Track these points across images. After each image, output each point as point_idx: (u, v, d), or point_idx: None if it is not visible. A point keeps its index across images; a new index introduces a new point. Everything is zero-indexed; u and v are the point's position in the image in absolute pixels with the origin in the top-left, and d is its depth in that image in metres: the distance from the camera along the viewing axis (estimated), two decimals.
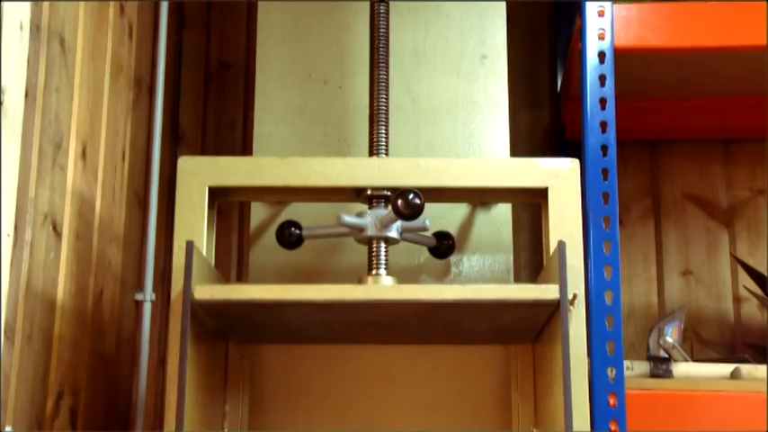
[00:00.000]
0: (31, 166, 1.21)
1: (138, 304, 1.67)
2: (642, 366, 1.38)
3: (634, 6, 1.45)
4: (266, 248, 1.49)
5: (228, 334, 1.38)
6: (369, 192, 1.30)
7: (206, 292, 1.15)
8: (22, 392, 1.18)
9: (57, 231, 1.30)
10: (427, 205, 1.24)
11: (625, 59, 1.43)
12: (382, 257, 1.30)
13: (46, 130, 1.25)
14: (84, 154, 1.40)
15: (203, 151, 1.93)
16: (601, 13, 1.42)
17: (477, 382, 1.43)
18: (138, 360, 1.64)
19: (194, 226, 1.23)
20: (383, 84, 1.38)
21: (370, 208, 1.31)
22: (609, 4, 1.42)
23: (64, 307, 1.33)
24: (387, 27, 1.40)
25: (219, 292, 1.16)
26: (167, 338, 1.17)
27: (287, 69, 1.56)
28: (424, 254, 1.48)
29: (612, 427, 1.21)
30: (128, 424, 1.62)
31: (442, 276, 1.49)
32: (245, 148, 1.93)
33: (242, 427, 1.40)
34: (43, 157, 1.24)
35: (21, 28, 1.16)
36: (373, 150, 1.36)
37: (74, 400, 1.37)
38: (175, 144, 1.92)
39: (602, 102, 1.38)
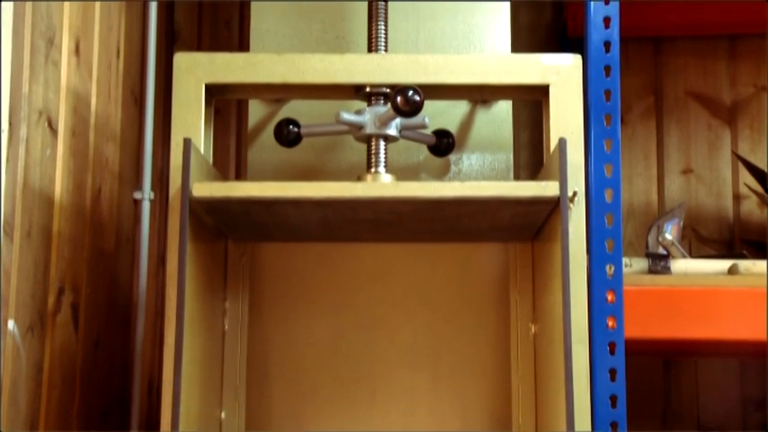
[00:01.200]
0: (24, 62, 1.19)
1: (137, 203, 1.67)
2: (640, 263, 1.39)
3: None
4: (264, 147, 1.48)
5: (227, 232, 1.38)
6: (368, 89, 1.28)
7: (204, 189, 1.15)
8: (22, 287, 1.19)
9: (52, 128, 1.29)
10: (427, 103, 1.23)
11: None
12: (381, 155, 1.29)
13: (37, 24, 1.22)
14: (77, 50, 1.38)
15: (200, 49, 1.90)
16: None
17: (476, 280, 1.44)
18: (138, 258, 1.65)
19: (192, 124, 1.22)
20: None
21: (368, 105, 1.29)
22: None
23: (62, 204, 1.32)
24: None
25: (218, 189, 1.16)
26: (167, 237, 1.17)
27: None
28: (423, 152, 1.47)
29: (610, 323, 1.22)
30: (129, 320, 1.63)
31: (441, 175, 1.49)
32: (241, 47, 1.90)
33: (242, 323, 1.41)
34: (36, 52, 1.22)
35: None
36: (372, 47, 1.34)
37: (75, 296, 1.38)
38: (171, 43, 1.88)
39: None
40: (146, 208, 1.67)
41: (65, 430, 1.34)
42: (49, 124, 1.28)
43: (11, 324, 1.15)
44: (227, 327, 1.40)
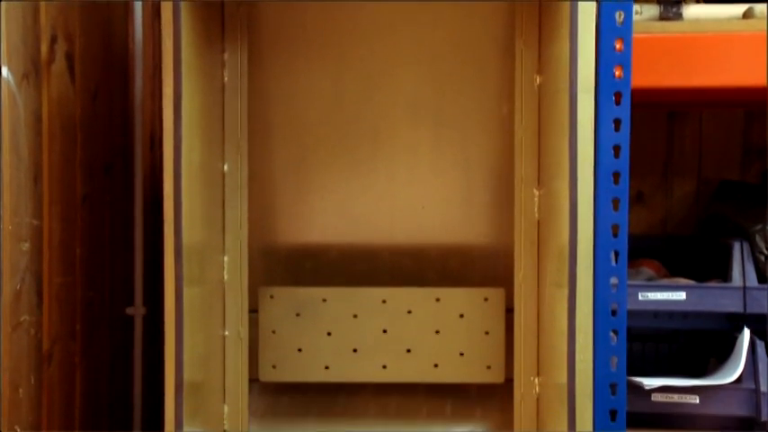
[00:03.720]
0: None
1: None
2: (651, 10, 1.33)
3: None
4: None
5: None
6: None
7: None
8: (12, 31, 1.15)
9: None
10: None
11: None
12: None
13: None
14: None
15: None
16: None
17: (481, 35, 1.40)
18: (132, 7, 1.59)
19: None
20: None
21: None
22: None
23: None
24: None
25: None
26: None
27: None
28: None
29: (617, 72, 1.19)
30: (126, 73, 1.60)
31: None
32: None
33: (241, 76, 1.38)
34: None
35: None
36: None
37: (69, 46, 1.34)
38: None
39: None
40: None
41: (69, 178, 1.35)
42: None
43: (4, 71, 1.13)
44: (226, 79, 1.38)
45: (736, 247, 1.39)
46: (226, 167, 1.38)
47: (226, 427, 1.36)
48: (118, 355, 1.56)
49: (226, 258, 1.37)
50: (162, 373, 1.13)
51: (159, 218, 1.13)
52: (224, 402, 1.37)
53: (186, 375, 1.14)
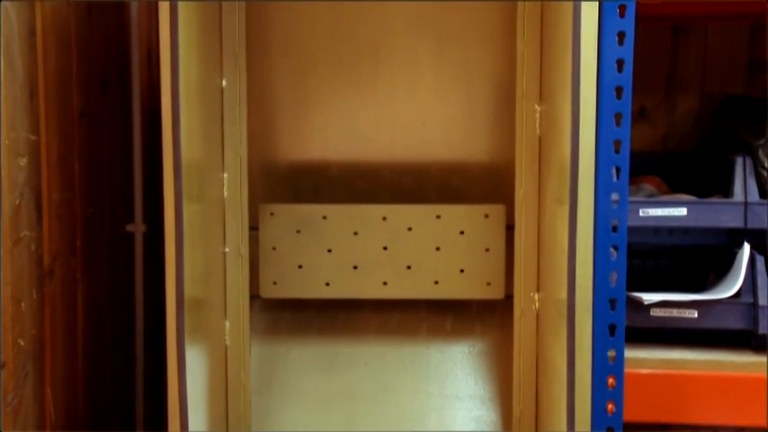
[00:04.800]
0: None
1: None
2: None
3: None
4: None
5: None
6: None
7: None
8: None
9: None
10: None
11: None
12: None
13: None
14: None
15: None
16: None
17: None
18: None
19: None
20: None
21: None
22: None
23: None
24: None
25: None
26: None
27: None
28: None
29: None
30: None
31: None
32: None
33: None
34: None
35: None
36: None
37: None
38: None
39: None
40: None
41: (66, 93, 1.33)
42: None
43: None
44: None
45: (739, 162, 1.38)
46: (224, 83, 1.36)
47: (227, 343, 1.38)
48: (119, 273, 1.56)
49: (225, 175, 1.37)
50: (163, 290, 1.13)
51: (158, 135, 1.12)
52: (225, 318, 1.38)
53: (187, 292, 1.14)
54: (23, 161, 1.19)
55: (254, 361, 1.43)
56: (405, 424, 1.41)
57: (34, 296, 1.23)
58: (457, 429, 1.41)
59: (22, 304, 1.20)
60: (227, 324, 1.38)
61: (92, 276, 1.44)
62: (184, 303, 1.13)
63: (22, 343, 1.19)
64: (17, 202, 1.17)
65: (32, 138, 1.22)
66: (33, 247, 1.23)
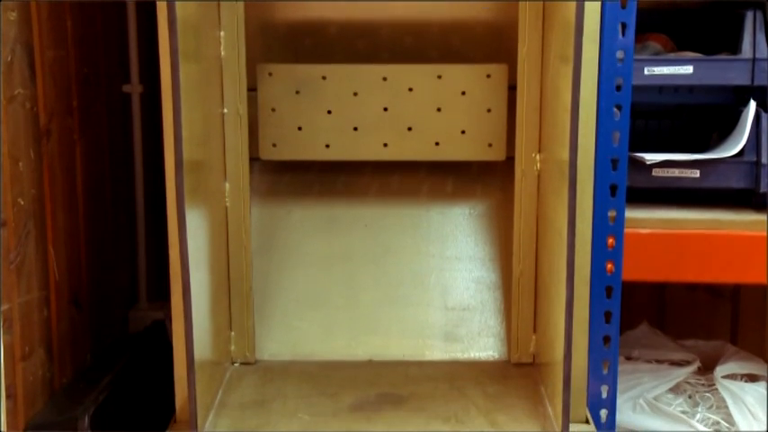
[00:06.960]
0: None
1: None
2: None
3: None
4: None
5: None
6: None
7: None
8: None
9: None
10: None
11: None
12: None
13: None
14: None
15: None
16: None
17: None
18: None
19: None
20: None
21: None
22: None
23: None
24: None
25: None
26: None
27: None
28: None
29: None
30: None
31: None
32: None
33: None
34: None
35: None
36: None
37: None
38: None
39: None
40: None
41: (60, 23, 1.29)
42: None
43: None
44: None
45: (749, 16, 1.34)
46: None
47: (227, 204, 1.37)
48: (117, 135, 1.55)
49: (222, 33, 1.33)
50: (161, 151, 1.13)
51: None
52: (225, 180, 1.37)
53: (186, 153, 1.13)
54: (13, 15, 1.16)
55: (254, 223, 1.43)
56: (405, 284, 1.42)
57: (32, 156, 1.22)
58: (457, 289, 1.42)
59: (20, 163, 1.19)
60: (227, 185, 1.38)
61: (89, 137, 1.42)
62: (183, 164, 1.12)
63: (22, 202, 1.19)
64: (9, 58, 1.15)
65: None
66: (28, 105, 1.21)
